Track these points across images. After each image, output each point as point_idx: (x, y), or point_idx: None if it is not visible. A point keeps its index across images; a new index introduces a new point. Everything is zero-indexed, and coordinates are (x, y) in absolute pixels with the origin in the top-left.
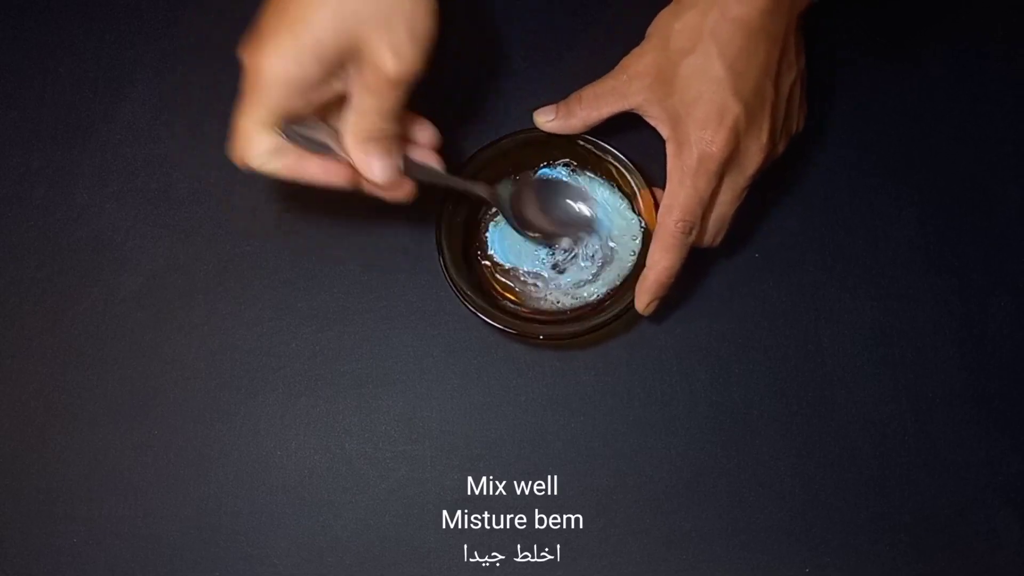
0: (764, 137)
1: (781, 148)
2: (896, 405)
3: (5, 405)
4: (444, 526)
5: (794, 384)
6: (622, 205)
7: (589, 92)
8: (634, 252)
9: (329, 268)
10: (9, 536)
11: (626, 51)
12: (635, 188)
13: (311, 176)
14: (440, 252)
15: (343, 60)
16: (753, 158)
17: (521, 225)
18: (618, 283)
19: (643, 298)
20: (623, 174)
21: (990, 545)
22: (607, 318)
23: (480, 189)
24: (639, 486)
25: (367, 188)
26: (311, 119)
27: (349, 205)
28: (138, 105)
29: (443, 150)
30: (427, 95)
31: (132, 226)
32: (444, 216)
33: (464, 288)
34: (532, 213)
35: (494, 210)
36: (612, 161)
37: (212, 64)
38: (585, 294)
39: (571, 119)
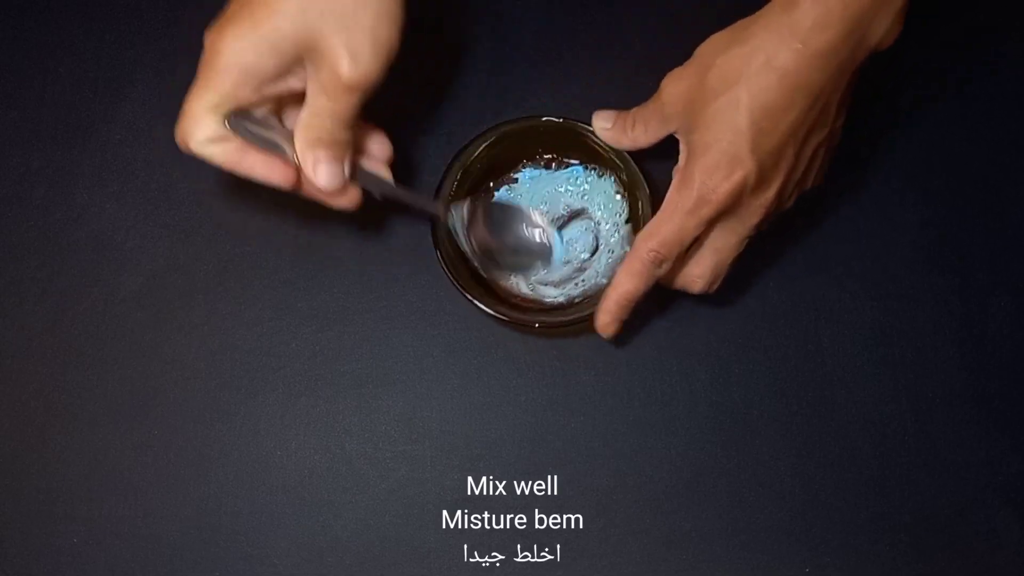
0: (770, 195)
1: (790, 204)
2: (896, 405)
3: (5, 405)
4: (444, 526)
5: (794, 384)
6: (620, 197)
7: (641, 114)
8: (629, 246)
9: (329, 268)
10: (9, 536)
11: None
12: (634, 179)
13: (250, 170)
14: (437, 246)
15: (300, 56)
16: (754, 213)
17: (473, 249)
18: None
19: (602, 317)
20: (618, 164)
21: (990, 545)
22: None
23: (430, 206)
24: (639, 486)
25: (308, 191)
26: (265, 115)
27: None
28: (138, 105)
29: (395, 164)
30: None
31: (132, 226)
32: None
33: (460, 277)
34: (483, 236)
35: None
36: (613, 156)
37: None
38: (581, 286)
39: (622, 137)
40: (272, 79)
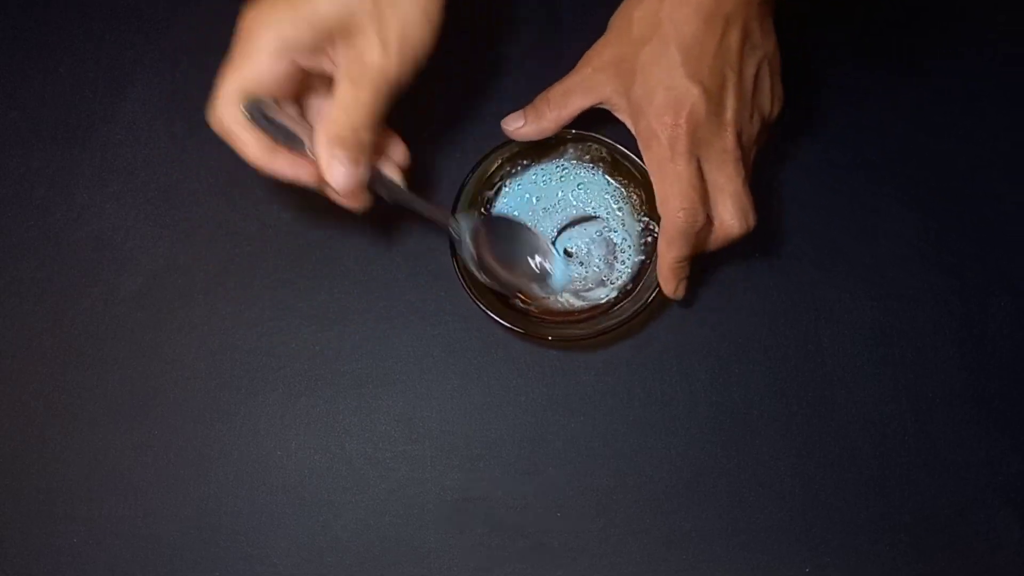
0: (729, 115)
1: (756, 129)
2: (896, 405)
3: (5, 405)
4: (444, 526)
5: (794, 384)
6: (631, 205)
7: (556, 91)
8: (645, 253)
9: (329, 268)
10: (9, 536)
11: None
12: (646, 187)
13: (279, 169)
14: (453, 252)
15: (334, 36)
16: (723, 134)
17: (478, 264)
18: (629, 285)
19: (665, 286)
20: (634, 173)
21: (990, 545)
22: (618, 321)
23: (441, 216)
24: (639, 486)
25: (329, 194)
26: (287, 109)
27: (347, 203)
28: (138, 105)
29: (412, 172)
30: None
31: (132, 226)
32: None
33: (475, 287)
34: (487, 252)
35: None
36: (626, 162)
37: (212, 64)
38: (595, 296)
39: (542, 121)
40: (307, 53)
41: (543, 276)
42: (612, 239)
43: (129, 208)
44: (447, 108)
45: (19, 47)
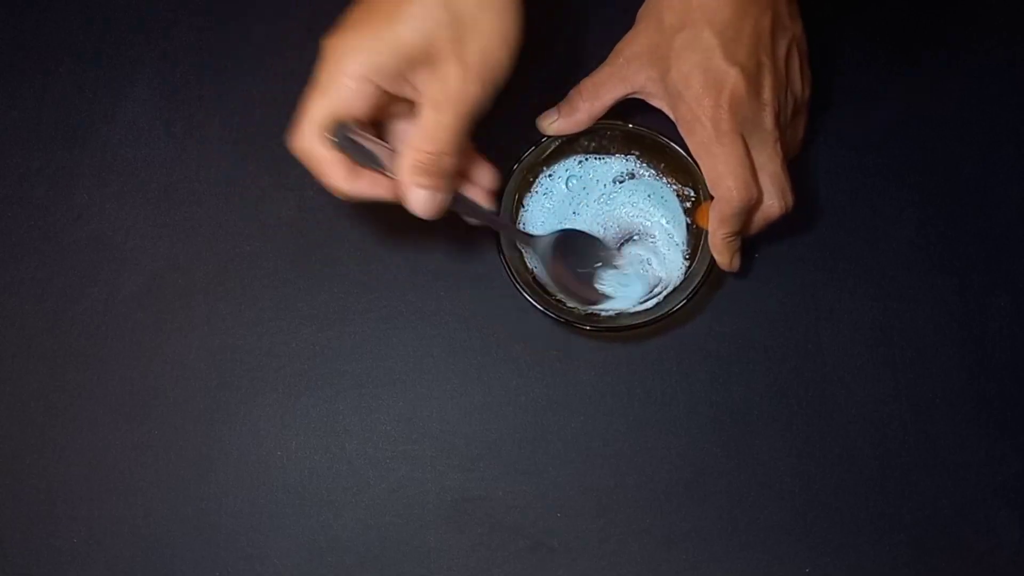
0: (767, 94)
1: (790, 110)
2: (896, 405)
3: (5, 405)
4: (444, 526)
5: (794, 384)
6: (680, 216)
7: (588, 83)
8: (685, 261)
9: (329, 268)
10: (9, 536)
11: None
12: (696, 194)
13: (361, 190)
14: (500, 250)
15: (417, 62)
16: (763, 115)
17: (553, 278)
18: (669, 292)
19: (721, 259)
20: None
21: (990, 545)
22: (656, 317)
23: (521, 238)
24: (639, 486)
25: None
26: (367, 131)
27: (349, 205)
28: (138, 105)
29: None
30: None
31: (132, 226)
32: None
33: (523, 280)
34: (561, 270)
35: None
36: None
37: (212, 64)
38: (637, 307)
39: (576, 114)
40: (390, 78)
41: (604, 296)
42: (658, 237)
43: (129, 208)
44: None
45: (19, 47)
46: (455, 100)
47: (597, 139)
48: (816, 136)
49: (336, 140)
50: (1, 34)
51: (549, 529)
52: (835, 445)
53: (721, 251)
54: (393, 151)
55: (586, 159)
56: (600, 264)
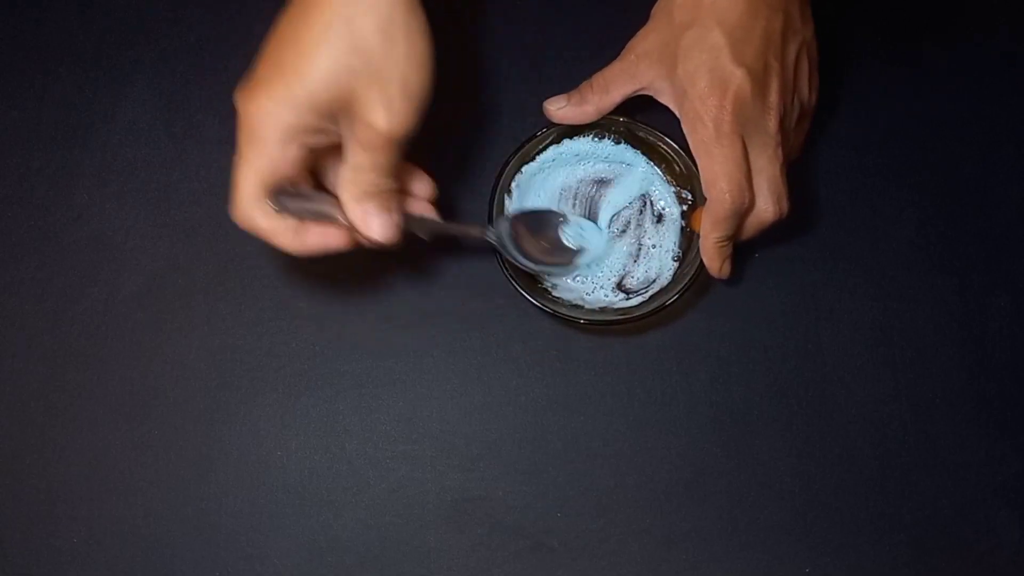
0: (773, 98)
1: (796, 115)
2: (896, 405)
3: (5, 405)
4: (444, 526)
5: (794, 384)
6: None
7: (599, 77)
8: (675, 261)
9: (329, 268)
10: (9, 536)
11: None
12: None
13: (309, 246)
14: (497, 252)
15: (335, 112)
16: (767, 118)
17: (526, 257)
18: (661, 285)
19: (711, 265)
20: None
21: (990, 545)
22: (642, 313)
23: (476, 231)
24: (639, 486)
25: (363, 243)
26: (304, 187)
27: None
28: (138, 105)
29: (438, 200)
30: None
31: (132, 226)
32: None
33: (522, 280)
34: (531, 245)
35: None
36: (676, 157)
37: (212, 64)
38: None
39: (584, 105)
40: (312, 133)
41: (581, 248)
42: (589, 263)
43: (129, 208)
44: (453, 122)
45: (19, 47)
46: (384, 139)
47: (600, 133)
48: (816, 136)
49: (276, 208)
50: (1, 34)
51: (549, 529)
52: (835, 445)
53: (712, 256)
54: (334, 197)
55: (582, 138)
56: (560, 225)
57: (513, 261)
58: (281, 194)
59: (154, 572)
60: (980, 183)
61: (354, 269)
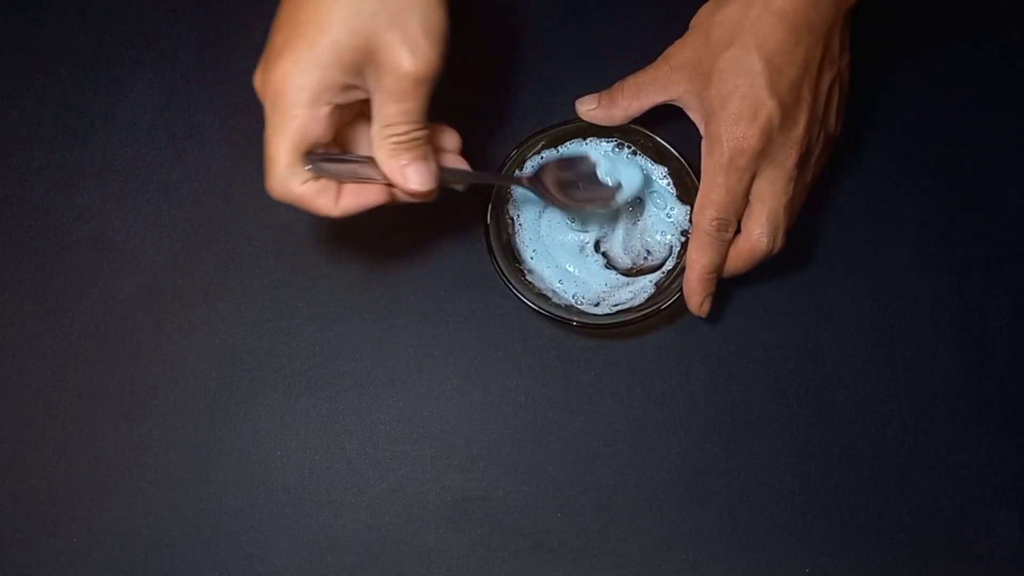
0: (799, 132)
1: (818, 149)
2: (896, 405)
3: (5, 405)
4: (444, 526)
5: (794, 384)
6: (667, 209)
7: (631, 82)
8: (672, 255)
9: (329, 268)
10: (9, 536)
11: (670, 42)
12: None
13: (346, 208)
14: (488, 237)
15: (361, 63)
16: (788, 154)
17: (555, 202)
18: (657, 286)
19: (692, 299)
20: (683, 177)
21: (990, 545)
22: (639, 316)
23: (509, 179)
24: (639, 486)
25: (401, 198)
26: (336, 151)
27: None
28: (138, 105)
29: (466, 152)
30: (464, 92)
31: (132, 226)
32: (492, 217)
33: (508, 270)
34: (568, 187)
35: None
36: (676, 157)
37: (212, 64)
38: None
39: (613, 109)
40: (340, 91)
41: (619, 184)
42: (631, 204)
43: (129, 208)
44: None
45: (19, 47)
46: (413, 84)
47: (625, 138)
48: None
49: (313, 170)
50: (1, 34)
51: (549, 529)
52: (835, 445)
53: (695, 290)
54: (367, 158)
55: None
56: (595, 167)
57: (553, 203)
58: (315, 160)
59: (154, 572)
60: (980, 184)
61: (354, 269)
